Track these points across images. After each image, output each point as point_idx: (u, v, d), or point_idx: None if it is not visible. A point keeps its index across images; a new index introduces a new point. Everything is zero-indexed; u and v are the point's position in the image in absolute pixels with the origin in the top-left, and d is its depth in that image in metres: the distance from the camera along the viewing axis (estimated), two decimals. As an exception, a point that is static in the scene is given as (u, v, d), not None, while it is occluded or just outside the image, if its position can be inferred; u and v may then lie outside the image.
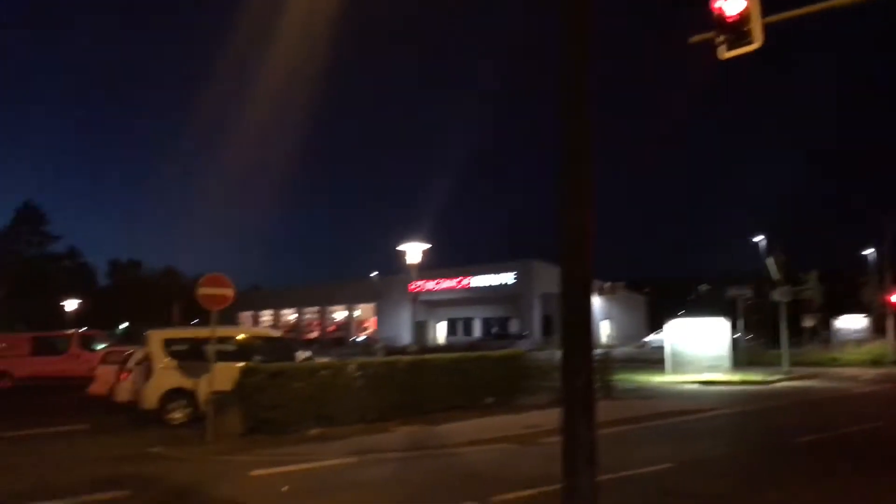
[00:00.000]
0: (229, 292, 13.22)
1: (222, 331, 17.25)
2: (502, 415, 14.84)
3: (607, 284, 20.72)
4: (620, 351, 37.37)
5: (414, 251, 18.43)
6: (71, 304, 48.20)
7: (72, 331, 30.22)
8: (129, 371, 16.96)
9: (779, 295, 24.08)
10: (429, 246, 19.02)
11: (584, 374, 3.48)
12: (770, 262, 25.35)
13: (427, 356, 16.44)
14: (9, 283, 68.00)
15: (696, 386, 21.38)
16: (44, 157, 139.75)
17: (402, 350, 37.12)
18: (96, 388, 19.29)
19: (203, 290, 12.91)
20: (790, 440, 11.99)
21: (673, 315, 30.48)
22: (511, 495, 8.11)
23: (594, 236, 3.51)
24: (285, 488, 8.83)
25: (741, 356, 23.71)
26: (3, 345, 26.71)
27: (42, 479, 9.82)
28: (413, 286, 19.50)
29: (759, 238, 38.18)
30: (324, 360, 17.79)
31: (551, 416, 14.16)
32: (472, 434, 12.50)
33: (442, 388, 15.26)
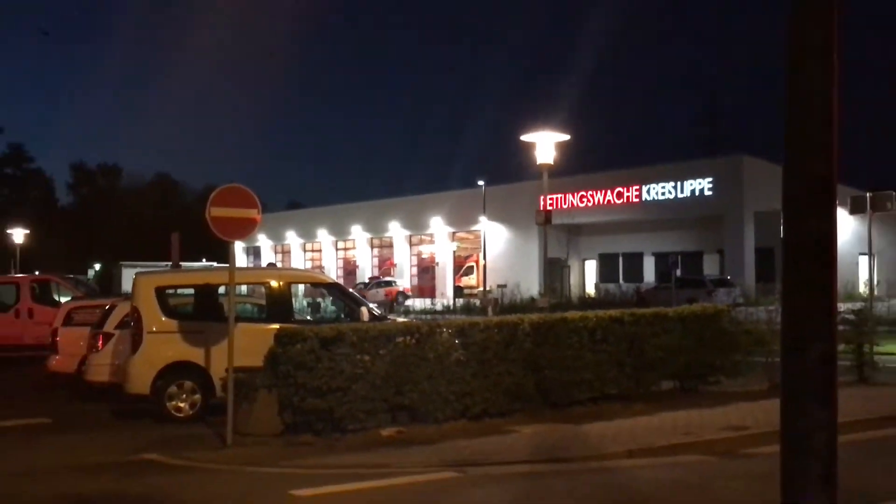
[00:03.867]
0: (253, 214, 13.64)
1: (248, 274, 17.85)
2: (688, 409, 14.86)
3: (868, 195, 19.94)
4: (892, 306, 36.48)
5: (545, 145, 18.26)
6: (18, 234, 50.66)
7: (21, 275, 31.88)
8: (108, 336, 17.80)
9: None
10: (567, 138, 18.86)
11: (820, 343, 3.42)
12: None
13: (566, 315, 16.49)
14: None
15: None
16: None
17: (529, 306, 37.46)
18: (59, 363, 20.34)
19: (216, 212, 13.33)
20: None
21: None
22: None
23: (838, 106, 3.44)
24: (345, 517, 9.19)
25: None
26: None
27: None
28: (538, 202, 19.38)
29: None
30: (401, 319, 18.14)
31: (765, 412, 14.12)
32: (639, 439, 12.61)
33: (590, 366, 15.40)
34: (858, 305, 20.21)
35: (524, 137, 18.75)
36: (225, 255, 13.93)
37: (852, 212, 21.75)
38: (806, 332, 3.46)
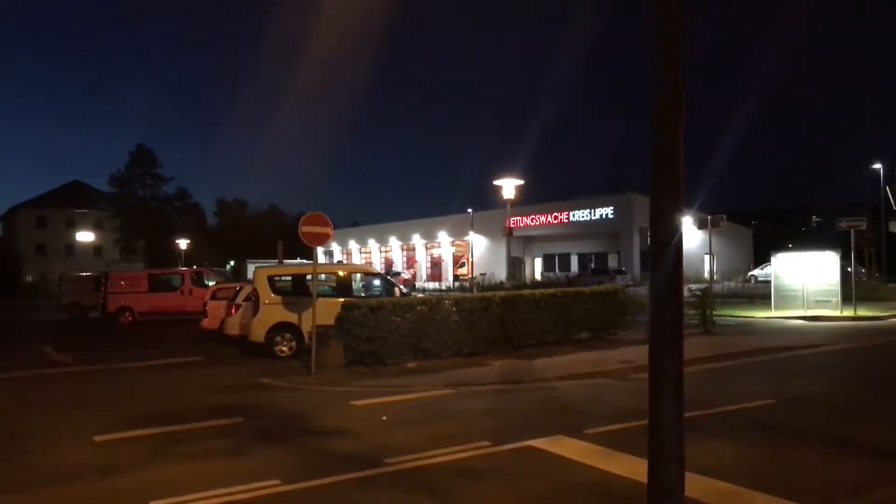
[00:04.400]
0: (328, 230, 13.69)
1: (324, 267, 17.88)
2: (597, 350, 14.86)
3: (709, 217, 20.06)
4: (725, 286, 36.39)
5: (509, 186, 18.32)
6: (182, 243, 50.78)
7: (185, 269, 31.96)
8: (238, 306, 17.86)
9: (896, 226, 22.71)
10: (522, 182, 18.87)
11: (671, 308, 3.45)
12: (888, 191, 23.72)
13: (522, 291, 16.51)
14: (126, 223, 72.19)
15: (801, 322, 20.65)
16: (154, 102, 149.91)
17: (499, 286, 37.37)
18: (208, 323, 20.43)
19: (304, 229, 13.41)
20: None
21: (783, 249, 29.27)
22: (603, 428, 8.19)
23: (685, 164, 3.46)
24: (384, 418, 9.20)
25: (853, 291, 22.60)
26: (124, 282, 28.53)
27: (160, 407, 10.61)
28: (509, 222, 19.43)
29: (877, 165, 36.08)
30: (419, 295, 18.18)
31: (646, 352, 14.10)
32: (567, 368, 12.61)
33: (537, 323, 15.36)
34: (703, 286, 20.16)
35: (495, 182, 18.80)
36: (311, 256, 13.94)
37: (699, 227, 21.71)
38: (663, 303, 3.49)
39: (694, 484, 6.18)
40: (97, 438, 8.55)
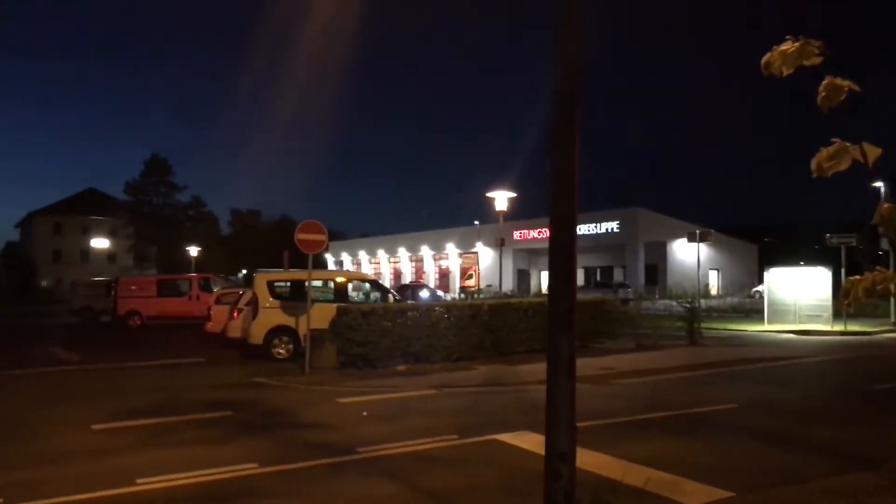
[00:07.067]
0: (322, 238, 14.28)
1: (321, 274, 18.40)
2: (581, 357, 15.04)
3: (698, 231, 20.58)
4: (726, 301, 36.68)
5: (501, 199, 18.84)
6: (193, 251, 51.60)
7: (193, 275, 32.70)
8: (240, 310, 18.46)
9: (888, 243, 23.09)
10: (514, 195, 19.38)
11: (566, 300, 3.95)
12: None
13: (511, 300, 17.01)
14: (140, 230, 73.24)
15: (790, 336, 21.01)
16: (170, 111, 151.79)
17: (498, 295, 37.81)
18: (212, 326, 21.02)
19: (300, 236, 14.01)
20: (867, 387, 11.94)
21: (792, 265, 29.55)
22: (565, 424, 8.68)
23: (578, 177, 3.92)
24: (365, 413, 9.76)
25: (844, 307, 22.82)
26: (134, 287, 29.26)
27: (157, 401, 11.22)
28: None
29: (878, 184, 36.33)
30: (412, 302, 18.70)
31: (628, 360, 14.58)
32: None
33: (524, 331, 15.83)
34: (690, 300, 20.51)
35: (488, 194, 19.30)
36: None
37: (689, 241, 22.14)
38: (560, 295, 3.99)
39: (639, 474, 6.70)
40: (95, 427, 9.15)
